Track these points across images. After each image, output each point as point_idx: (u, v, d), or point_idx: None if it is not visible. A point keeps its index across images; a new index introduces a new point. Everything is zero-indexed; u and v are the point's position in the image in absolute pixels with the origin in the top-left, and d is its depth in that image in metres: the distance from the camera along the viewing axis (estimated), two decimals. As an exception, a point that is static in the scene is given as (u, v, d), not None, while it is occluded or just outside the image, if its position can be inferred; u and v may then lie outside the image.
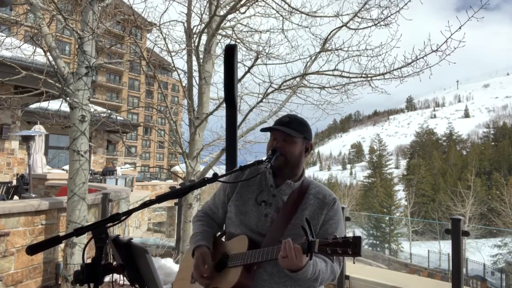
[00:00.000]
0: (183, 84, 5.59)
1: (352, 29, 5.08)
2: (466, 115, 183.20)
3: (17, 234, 4.55)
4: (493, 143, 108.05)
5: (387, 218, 45.43)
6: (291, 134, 1.64)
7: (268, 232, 1.59)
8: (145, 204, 1.40)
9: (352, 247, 1.26)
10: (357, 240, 1.26)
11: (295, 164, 1.68)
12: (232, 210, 1.72)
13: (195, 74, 5.45)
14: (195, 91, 5.49)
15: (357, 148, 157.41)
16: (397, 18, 4.73)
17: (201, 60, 5.19)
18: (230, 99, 2.87)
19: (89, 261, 1.22)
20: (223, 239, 1.81)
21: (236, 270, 1.55)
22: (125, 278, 1.34)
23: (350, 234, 1.35)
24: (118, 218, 1.24)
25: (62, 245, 4.82)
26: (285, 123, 1.67)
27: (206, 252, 1.64)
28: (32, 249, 1.12)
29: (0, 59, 5.15)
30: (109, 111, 6.93)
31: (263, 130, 1.77)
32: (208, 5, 5.30)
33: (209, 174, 1.64)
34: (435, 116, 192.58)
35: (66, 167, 10.34)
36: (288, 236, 1.53)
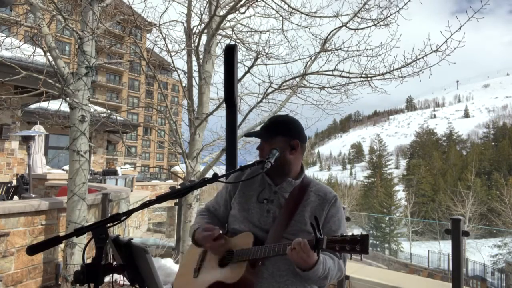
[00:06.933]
0: (183, 84, 5.59)
1: (352, 29, 5.08)
2: (466, 115, 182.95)
3: (17, 234, 4.55)
4: (493, 143, 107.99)
5: (387, 218, 45.44)
6: (261, 138, 1.73)
7: (271, 228, 1.62)
8: (145, 204, 1.40)
9: (360, 244, 1.29)
10: (365, 237, 1.30)
11: (282, 163, 1.68)
12: (236, 207, 1.75)
13: (195, 74, 5.45)
14: (195, 91, 5.49)
15: (357, 148, 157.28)
16: (397, 18, 4.75)
17: (201, 60, 5.19)
18: (230, 99, 2.87)
19: (89, 261, 1.21)
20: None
21: (242, 265, 1.56)
22: (125, 278, 1.34)
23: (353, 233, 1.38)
24: (118, 218, 1.24)
25: (62, 245, 4.82)
26: (262, 127, 1.76)
27: (208, 225, 1.68)
28: (32, 249, 1.12)
29: (0, 59, 5.15)
30: (109, 111, 6.91)
31: (246, 135, 1.89)
32: (208, 5, 5.30)
33: (209, 174, 1.66)
34: (435, 116, 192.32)
35: (66, 167, 10.33)
36: (291, 232, 1.57)
